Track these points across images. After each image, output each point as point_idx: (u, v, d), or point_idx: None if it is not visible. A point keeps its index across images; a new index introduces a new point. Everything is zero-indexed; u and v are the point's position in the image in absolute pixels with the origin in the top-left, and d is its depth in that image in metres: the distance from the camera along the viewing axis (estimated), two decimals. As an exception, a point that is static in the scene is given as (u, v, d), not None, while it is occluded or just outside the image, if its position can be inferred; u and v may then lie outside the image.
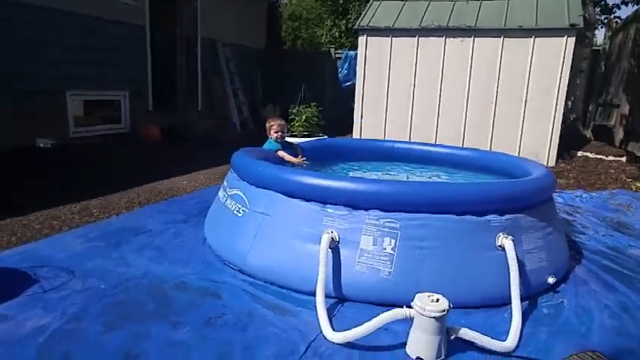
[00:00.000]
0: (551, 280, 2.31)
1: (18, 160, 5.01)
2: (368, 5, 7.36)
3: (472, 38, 6.25)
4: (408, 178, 3.82)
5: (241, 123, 9.10)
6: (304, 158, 3.61)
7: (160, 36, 7.72)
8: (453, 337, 1.75)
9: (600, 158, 6.47)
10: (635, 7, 9.34)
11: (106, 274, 2.37)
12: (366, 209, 2.19)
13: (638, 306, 2.23)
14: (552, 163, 6.11)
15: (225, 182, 2.95)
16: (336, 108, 9.83)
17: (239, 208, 2.58)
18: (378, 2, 7.29)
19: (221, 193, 2.93)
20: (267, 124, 3.60)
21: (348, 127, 7.36)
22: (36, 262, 2.48)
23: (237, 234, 2.52)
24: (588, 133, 8.75)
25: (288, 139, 3.75)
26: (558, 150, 6.16)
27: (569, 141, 7.03)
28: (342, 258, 2.19)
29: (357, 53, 7.56)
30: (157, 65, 7.62)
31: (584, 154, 6.69)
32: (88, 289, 2.21)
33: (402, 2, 7.14)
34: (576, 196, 4.53)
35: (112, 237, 2.92)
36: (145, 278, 2.34)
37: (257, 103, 10.21)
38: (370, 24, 6.76)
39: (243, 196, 2.60)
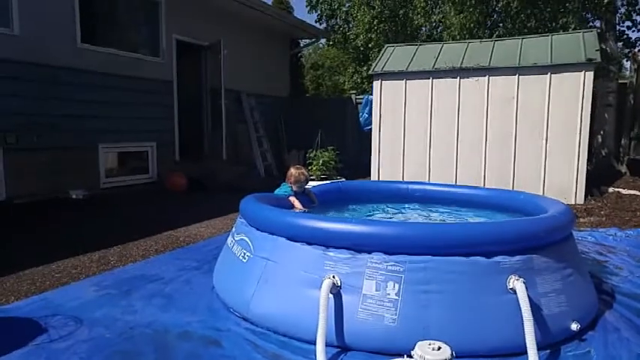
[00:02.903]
0: (574, 326, 2.12)
1: (50, 211, 5.30)
2: (382, 51, 7.60)
3: (487, 77, 6.27)
4: (424, 219, 3.73)
5: (265, 169, 9.32)
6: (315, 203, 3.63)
7: (187, 88, 8.24)
8: (459, 391, 1.61)
9: (634, 194, 6.10)
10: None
11: (113, 322, 2.38)
12: (369, 252, 2.14)
13: (679, 357, 1.99)
14: (581, 200, 5.82)
15: (233, 228, 2.98)
16: (357, 151, 9.94)
17: (244, 254, 2.58)
18: (392, 48, 7.53)
19: (229, 240, 2.95)
20: (289, 172, 3.64)
21: (368, 170, 7.37)
22: (49, 311, 2.52)
23: (241, 280, 2.50)
24: (623, 168, 8.37)
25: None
26: (587, 187, 5.87)
27: (603, 177, 6.70)
28: (344, 304, 2.10)
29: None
30: (184, 116, 8.07)
31: (616, 189, 6.33)
32: (94, 338, 2.21)
33: (416, 47, 7.35)
34: (609, 235, 4.25)
35: (124, 285, 2.97)
36: (150, 327, 2.33)
37: (281, 150, 10.50)
38: (384, 69, 6.94)
39: (248, 241, 2.60)
